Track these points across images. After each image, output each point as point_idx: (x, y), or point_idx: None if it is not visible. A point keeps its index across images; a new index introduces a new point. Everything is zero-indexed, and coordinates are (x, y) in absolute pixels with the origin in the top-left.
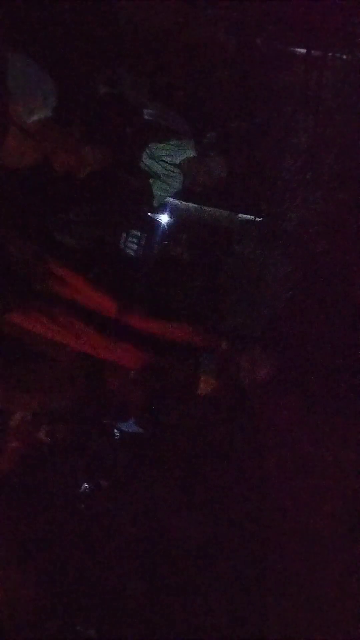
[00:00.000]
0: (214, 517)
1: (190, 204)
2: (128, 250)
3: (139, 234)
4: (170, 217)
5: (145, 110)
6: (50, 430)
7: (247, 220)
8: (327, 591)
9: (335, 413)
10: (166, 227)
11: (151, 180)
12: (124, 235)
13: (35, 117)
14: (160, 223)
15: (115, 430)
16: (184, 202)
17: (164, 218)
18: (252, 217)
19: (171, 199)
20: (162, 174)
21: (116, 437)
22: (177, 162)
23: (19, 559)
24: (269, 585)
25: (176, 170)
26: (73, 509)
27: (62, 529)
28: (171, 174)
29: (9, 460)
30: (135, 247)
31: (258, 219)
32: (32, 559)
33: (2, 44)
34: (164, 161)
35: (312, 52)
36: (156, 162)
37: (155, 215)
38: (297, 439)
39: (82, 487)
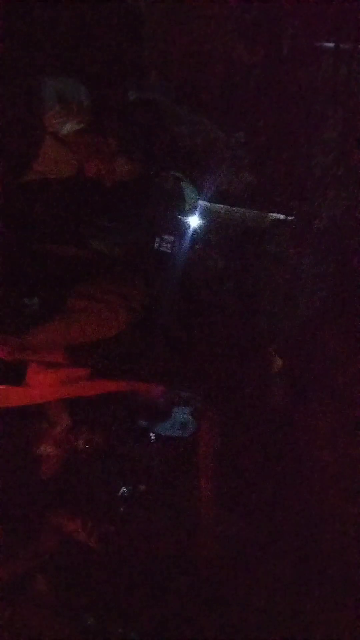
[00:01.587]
0: (251, 521)
1: (221, 206)
2: (162, 254)
3: (172, 238)
4: (201, 220)
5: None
6: (89, 439)
7: (278, 220)
8: None
9: None
10: (198, 229)
11: (182, 184)
12: (157, 239)
13: (69, 128)
14: (192, 226)
15: (152, 434)
16: (214, 204)
17: (194, 221)
18: (284, 216)
19: (201, 202)
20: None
21: (152, 441)
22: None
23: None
24: (309, 591)
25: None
26: (112, 513)
27: (102, 532)
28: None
29: (52, 467)
30: (168, 251)
31: (289, 218)
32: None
33: (37, 58)
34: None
35: (340, 45)
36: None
37: (187, 218)
38: (337, 445)
39: (121, 491)
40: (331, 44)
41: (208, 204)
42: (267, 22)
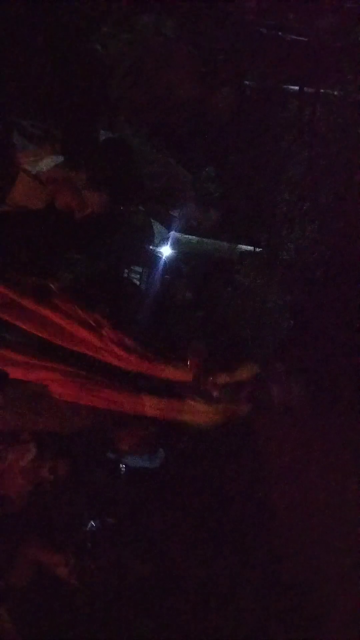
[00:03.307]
0: (223, 553)
1: (191, 237)
2: (131, 286)
3: (141, 269)
4: (172, 250)
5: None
6: (53, 467)
7: (247, 251)
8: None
9: (339, 439)
10: (168, 260)
11: (151, 218)
12: (126, 271)
13: (44, 165)
14: (162, 257)
15: (122, 465)
16: (185, 235)
17: (165, 251)
18: (252, 248)
19: (173, 233)
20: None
21: (122, 472)
22: None
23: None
24: (274, 616)
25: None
26: (79, 547)
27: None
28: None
29: (16, 499)
30: (137, 282)
31: (257, 250)
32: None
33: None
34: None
35: (305, 89)
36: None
37: (157, 249)
38: (304, 470)
39: (89, 525)
40: (296, 87)
41: (179, 235)
42: (232, 66)
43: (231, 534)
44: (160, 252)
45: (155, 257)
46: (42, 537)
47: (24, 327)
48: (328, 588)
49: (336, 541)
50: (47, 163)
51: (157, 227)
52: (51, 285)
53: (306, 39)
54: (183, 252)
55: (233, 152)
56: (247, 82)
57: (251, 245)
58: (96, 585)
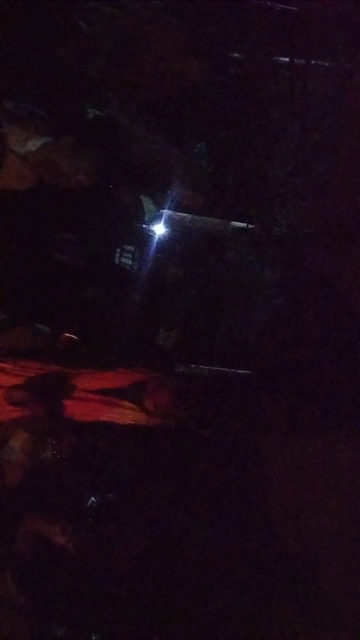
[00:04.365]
0: (218, 522)
1: (184, 214)
2: (123, 265)
3: (133, 248)
4: (164, 228)
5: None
6: (56, 446)
7: (239, 228)
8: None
9: (328, 420)
10: (159, 238)
11: (141, 196)
12: (118, 250)
13: (30, 145)
14: (154, 236)
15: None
16: (177, 213)
17: (157, 229)
18: (244, 224)
19: (165, 210)
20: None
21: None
22: None
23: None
24: (274, 588)
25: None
26: (80, 522)
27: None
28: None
29: (16, 475)
30: (130, 261)
31: (250, 226)
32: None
33: None
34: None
35: (296, 60)
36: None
37: (149, 227)
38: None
39: (89, 501)
40: (286, 59)
41: (171, 212)
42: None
43: (230, 506)
44: (152, 231)
45: (147, 235)
46: (42, 509)
47: None
48: (326, 555)
49: (334, 510)
50: (34, 144)
51: (148, 205)
52: None
53: (296, 9)
54: (175, 230)
55: (223, 127)
56: (236, 55)
57: (243, 222)
58: (97, 556)
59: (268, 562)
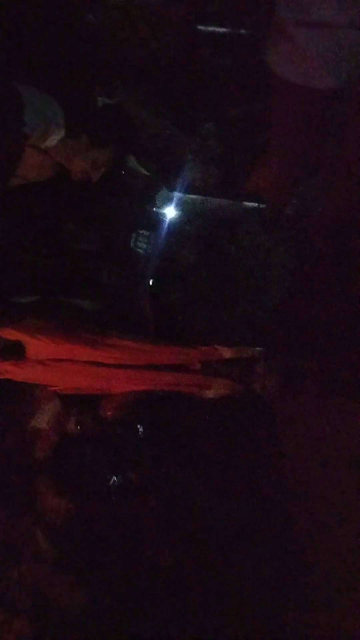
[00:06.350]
0: (239, 501)
1: (195, 196)
2: (138, 250)
3: (148, 233)
4: (176, 211)
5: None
6: (79, 421)
7: (251, 208)
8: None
9: (346, 400)
10: (172, 221)
11: (153, 181)
12: (133, 235)
13: (49, 142)
14: (166, 219)
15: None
16: (189, 195)
17: (169, 212)
18: (256, 204)
19: (176, 193)
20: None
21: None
22: None
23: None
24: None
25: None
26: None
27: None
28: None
29: (45, 447)
30: (145, 245)
31: (261, 206)
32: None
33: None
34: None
35: None
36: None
37: (161, 211)
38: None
39: (111, 480)
40: None
41: (182, 195)
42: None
43: (247, 484)
44: (164, 214)
45: (160, 219)
46: (55, 483)
47: None
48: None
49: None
50: (53, 139)
51: (160, 189)
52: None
53: None
54: (187, 212)
55: (232, 107)
56: (243, 31)
57: (255, 202)
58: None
59: (281, 536)
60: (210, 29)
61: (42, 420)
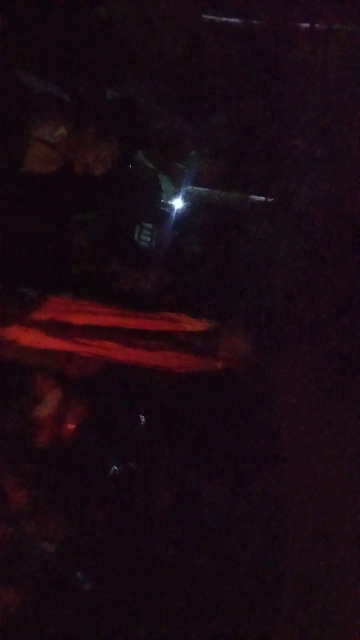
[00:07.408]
0: (238, 488)
1: (202, 189)
2: (142, 243)
3: (151, 226)
4: (183, 203)
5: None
6: (75, 414)
7: (258, 202)
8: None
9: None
10: (178, 215)
11: (158, 174)
12: (137, 228)
13: (56, 137)
14: (172, 212)
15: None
16: (195, 188)
17: (176, 204)
18: (264, 198)
19: (183, 185)
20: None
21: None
22: None
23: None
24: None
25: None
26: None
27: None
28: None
29: (45, 436)
30: (148, 239)
31: (269, 200)
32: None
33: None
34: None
35: (316, 26)
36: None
37: (168, 203)
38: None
39: (112, 470)
40: (307, 25)
41: (190, 187)
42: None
43: (245, 470)
44: (171, 206)
45: (166, 212)
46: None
47: None
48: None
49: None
50: (61, 133)
51: (165, 183)
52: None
53: None
54: (193, 205)
55: (242, 98)
56: (255, 22)
57: (262, 196)
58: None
59: (277, 515)
60: (220, 20)
61: (44, 409)
